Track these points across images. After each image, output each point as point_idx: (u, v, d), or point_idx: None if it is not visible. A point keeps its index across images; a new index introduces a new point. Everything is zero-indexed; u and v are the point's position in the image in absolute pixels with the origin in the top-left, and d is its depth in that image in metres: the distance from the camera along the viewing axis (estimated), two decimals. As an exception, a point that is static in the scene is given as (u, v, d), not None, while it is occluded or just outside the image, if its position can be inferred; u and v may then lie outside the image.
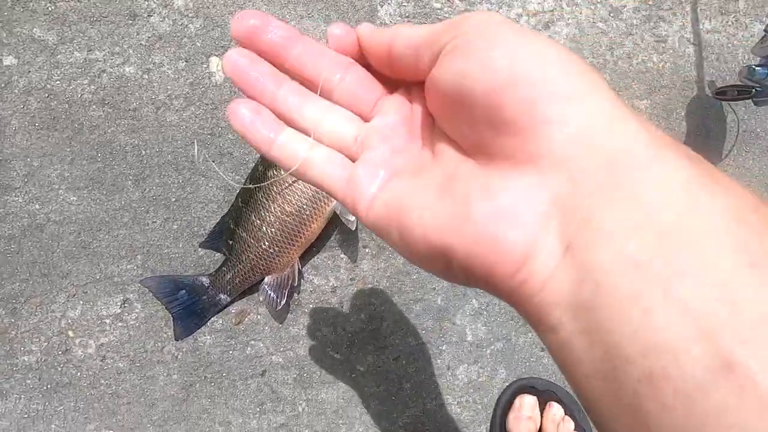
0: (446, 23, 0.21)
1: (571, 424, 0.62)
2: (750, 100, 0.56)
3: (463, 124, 0.20)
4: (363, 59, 0.25)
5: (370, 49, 0.24)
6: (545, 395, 0.63)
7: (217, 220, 0.60)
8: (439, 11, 0.64)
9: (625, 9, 0.66)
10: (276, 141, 0.23)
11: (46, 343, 0.58)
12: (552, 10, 0.65)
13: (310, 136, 0.24)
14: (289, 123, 0.24)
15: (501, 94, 0.18)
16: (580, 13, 0.66)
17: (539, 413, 0.62)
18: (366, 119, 0.25)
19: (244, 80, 0.23)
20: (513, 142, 0.18)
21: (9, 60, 0.58)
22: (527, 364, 0.65)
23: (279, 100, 0.24)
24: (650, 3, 0.67)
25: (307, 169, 0.24)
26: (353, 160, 0.24)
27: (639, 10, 0.67)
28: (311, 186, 0.55)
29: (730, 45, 0.68)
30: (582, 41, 0.66)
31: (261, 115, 0.23)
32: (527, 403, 0.62)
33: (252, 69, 0.23)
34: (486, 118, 0.18)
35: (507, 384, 0.64)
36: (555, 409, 0.62)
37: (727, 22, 0.68)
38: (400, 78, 0.24)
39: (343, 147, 0.24)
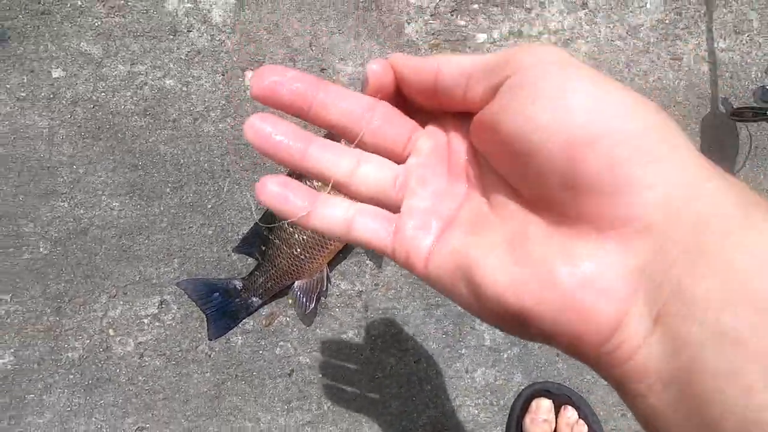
0: (502, 54, 0.19)
1: (585, 428, 0.65)
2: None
3: (528, 175, 0.19)
4: (395, 94, 0.24)
5: (412, 79, 0.22)
6: (560, 399, 0.66)
7: (250, 227, 0.63)
8: (464, 28, 0.66)
9: (642, 28, 0.69)
10: (314, 211, 0.22)
11: (88, 341, 0.62)
12: (572, 28, 0.68)
13: (345, 194, 0.23)
14: (322, 180, 0.23)
15: (579, 151, 0.17)
16: (599, 32, 0.68)
17: (554, 416, 0.65)
18: (401, 160, 0.24)
19: (268, 146, 0.23)
20: (592, 204, 0.17)
21: (57, 72, 0.61)
22: (543, 368, 0.68)
23: (308, 159, 0.23)
24: (667, 22, 0.69)
25: (350, 231, 0.23)
26: (395, 208, 0.23)
27: (656, 29, 0.69)
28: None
29: (743, 63, 0.70)
30: (600, 58, 0.68)
31: (290, 187, 0.23)
32: (543, 406, 0.64)
33: (276, 133, 0.22)
34: (559, 175, 0.18)
35: (523, 387, 0.67)
36: (569, 413, 0.65)
37: (742, 41, 0.70)
38: (437, 109, 0.23)
39: (381, 197, 0.23)
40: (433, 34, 0.66)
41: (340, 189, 0.23)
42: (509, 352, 0.68)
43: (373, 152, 0.23)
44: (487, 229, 0.20)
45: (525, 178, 0.19)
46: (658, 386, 0.16)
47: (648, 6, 0.69)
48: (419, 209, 0.22)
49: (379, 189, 0.23)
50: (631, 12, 0.69)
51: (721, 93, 0.70)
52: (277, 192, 0.22)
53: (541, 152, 0.18)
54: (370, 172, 0.23)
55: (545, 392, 0.66)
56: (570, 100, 0.17)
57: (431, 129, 0.24)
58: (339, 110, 0.22)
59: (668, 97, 0.69)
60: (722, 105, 0.70)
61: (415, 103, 0.24)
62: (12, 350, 0.61)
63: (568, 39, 0.68)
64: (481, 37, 0.67)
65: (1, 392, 0.61)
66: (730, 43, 0.70)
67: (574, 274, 0.17)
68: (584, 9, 0.68)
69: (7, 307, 0.61)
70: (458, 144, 0.23)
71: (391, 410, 0.66)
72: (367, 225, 0.22)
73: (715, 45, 0.70)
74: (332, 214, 0.22)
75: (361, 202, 0.23)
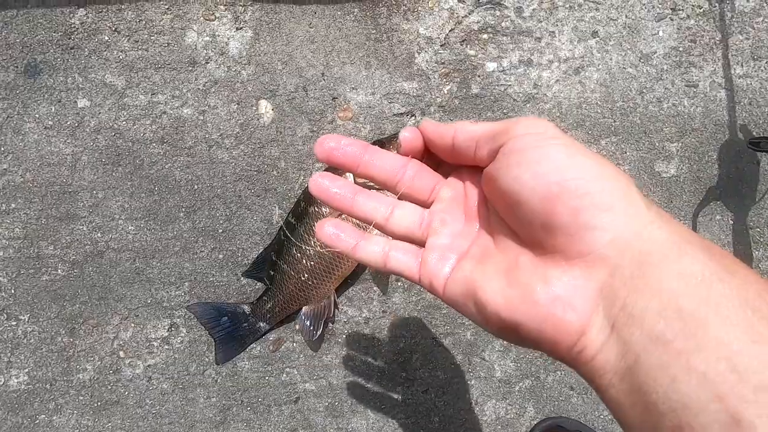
0: (502, 124, 0.26)
1: (602, 468, 0.62)
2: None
3: (520, 221, 0.25)
4: (425, 151, 0.31)
5: (436, 141, 0.30)
6: (575, 436, 0.63)
7: (260, 252, 0.64)
8: (473, 57, 0.67)
9: (656, 55, 0.68)
10: (358, 245, 0.30)
11: (99, 363, 0.63)
12: (582, 56, 0.68)
13: (383, 232, 0.31)
14: (366, 221, 0.31)
15: (552, 204, 0.23)
16: (611, 59, 0.68)
17: (568, 454, 0.62)
18: (426, 205, 0.31)
19: (327, 195, 0.31)
20: (564, 242, 0.23)
21: (83, 102, 0.64)
22: (556, 402, 0.65)
23: (356, 206, 0.31)
24: (681, 49, 0.69)
25: (386, 263, 0.30)
26: (421, 243, 0.30)
27: (669, 56, 0.68)
28: (350, 221, 0.59)
29: (762, 89, 0.68)
30: (612, 86, 0.68)
31: (342, 228, 0.30)
32: (556, 443, 0.62)
33: (332, 186, 0.31)
34: (540, 220, 0.23)
35: (535, 422, 0.64)
36: (585, 451, 0.62)
37: (759, 67, 0.69)
38: (456, 163, 0.30)
39: (411, 235, 0.30)
40: (443, 63, 0.67)
41: (379, 229, 0.31)
42: (521, 384, 0.65)
43: (405, 200, 0.31)
44: (490, 260, 0.26)
45: (517, 222, 0.25)
46: (616, 380, 0.21)
47: (661, 34, 0.69)
48: (440, 245, 0.29)
49: (408, 229, 0.30)
50: (643, 40, 0.69)
51: (739, 120, 0.69)
52: (332, 232, 0.30)
53: (526, 204, 0.24)
54: (402, 216, 0.30)
55: (559, 428, 0.63)
56: (545, 166, 0.23)
57: (452, 180, 0.31)
58: (379, 168, 0.30)
59: (684, 123, 0.68)
60: (741, 132, 0.69)
61: (440, 158, 0.31)
62: (27, 370, 0.62)
63: (579, 67, 0.68)
64: (491, 66, 0.67)
65: (14, 411, 0.62)
66: (747, 69, 0.69)
67: (548, 293, 0.23)
68: (595, 38, 0.68)
69: (24, 327, 0.63)
70: (472, 192, 0.29)
71: (398, 442, 0.64)
72: (399, 258, 0.30)
73: (732, 71, 0.69)
74: (372, 250, 0.30)
75: (395, 239, 0.31)
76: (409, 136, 0.30)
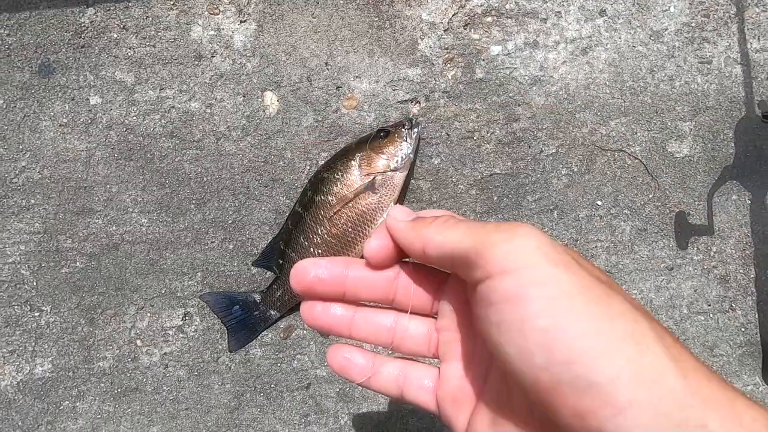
0: (472, 242, 0.21)
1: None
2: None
3: (517, 388, 0.22)
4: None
5: (407, 249, 0.26)
6: None
7: (269, 241, 0.65)
8: (477, 42, 0.67)
9: (666, 32, 0.66)
10: (371, 379, 0.29)
11: (117, 351, 0.65)
12: (590, 36, 0.67)
13: (392, 351, 0.30)
14: (369, 342, 0.30)
15: (550, 397, 0.18)
16: (619, 38, 0.67)
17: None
18: (431, 315, 0.29)
19: (322, 324, 0.29)
20: None
21: (95, 100, 0.66)
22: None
23: (354, 330, 0.29)
24: (693, 25, 0.66)
25: (403, 395, 0.29)
26: (432, 356, 0.29)
27: (681, 33, 0.66)
28: (356, 211, 0.59)
29: (781, 64, 0.66)
30: (621, 65, 0.66)
31: (353, 355, 0.30)
32: None
33: (324, 314, 0.29)
34: (539, 408, 0.20)
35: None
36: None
37: (778, 40, 0.66)
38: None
39: (419, 354, 0.29)
40: (446, 48, 0.67)
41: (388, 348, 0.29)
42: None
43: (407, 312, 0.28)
44: (507, 411, 0.23)
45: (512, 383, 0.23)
46: None
47: (672, 10, 0.67)
48: (453, 381, 0.26)
49: (416, 350, 0.29)
50: (654, 16, 0.67)
51: (756, 96, 0.66)
52: (342, 360, 0.30)
53: (516, 378, 0.20)
54: (406, 336, 0.29)
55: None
56: (531, 338, 0.18)
57: (452, 285, 0.27)
58: (368, 288, 0.28)
59: (697, 102, 0.66)
60: (759, 108, 0.66)
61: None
62: (50, 359, 0.65)
63: (587, 47, 0.67)
64: (496, 49, 0.67)
65: (40, 398, 0.65)
66: (764, 43, 0.66)
67: None
68: (603, 16, 0.67)
69: (47, 318, 0.65)
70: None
71: (409, 427, 0.65)
72: (415, 392, 0.29)
73: (748, 46, 0.66)
74: (386, 382, 0.29)
75: (405, 355, 0.29)
76: (374, 247, 0.27)
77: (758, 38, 0.66)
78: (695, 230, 0.66)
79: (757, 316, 0.65)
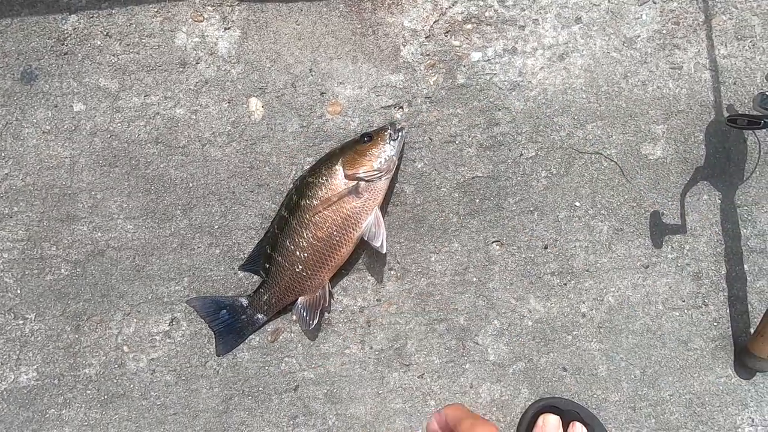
0: None
1: (595, 445, 0.63)
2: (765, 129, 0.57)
3: None
4: None
5: None
6: (568, 415, 0.64)
7: (255, 245, 0.65)
8: (458, 48, 0.68)
9: (639, 39, 0.69)
10: None
11: (104, 357, 0.65)
12: (566, 43, 0.69)
13: None
14: None
15: None
16: (595, 44, 0.69)
17: (562, 433, 0.63)
18: None
19: None
20: None
21: (78, 106, 0.66)
22: (549, 383, 0.67)
23: None
24: (664, 32, 0.69)
25: None
26: None
27: (653, 40, 0.69)
28: (340, 214, 0.60)
29: (747, 69, 0.69)
30: (596, 71, 0.69)
31: None
32: (550, 422, 0.63)
33: None
34: None
35: (530, 403, 0.66)
36: (578, 429, 0.63)
37: (744, 46, 0.69)
38: None
39: None
40: (428, 55, 0.68)
41: None
42: (514, 366, 0.67)
43: None
44: None
45: None
46: None
47: (644, 17, 0.69)
48: None
49: None
50: (627, 24, 0.69)
51: (725, 100, 0.69)
52: None
53: None
54: None
55: (553, 408, 0.65)
56: None
57: None
58: None
59: (669, 105, 0.69)
60: (727, 112, 0.69)
61: None
62: (35, 366, 0.65)
63: (563, 54, 0.69)
64: (476, 55, 0.68)
65: (25, 407, 0.64)
66: (731, 49, 0.69)
67: None
68: (578, 23, 0.69)
69: (31, 326, 0.65)
70: None
71: (396, 426, 0.66)
72: None
73: (716, 52, 0.69)
74: None
75: None
76: None
77: (725, 44, 0.69)
78: (669, 229, 0.68)
79: (728, 311, 0.68)
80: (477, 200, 0.68)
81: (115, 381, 0.65)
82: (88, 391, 0.65)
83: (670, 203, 0.69)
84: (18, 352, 0.65)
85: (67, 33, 0.66)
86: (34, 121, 0.66)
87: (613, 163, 0.68)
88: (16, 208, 0.65)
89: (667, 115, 0.69)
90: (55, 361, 0.65)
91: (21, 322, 0.65)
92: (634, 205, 0.68)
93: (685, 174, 0.69)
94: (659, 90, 0.69)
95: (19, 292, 0.65)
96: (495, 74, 0.68)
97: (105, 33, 0.66)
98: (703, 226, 0.68)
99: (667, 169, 0.69)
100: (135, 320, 0.65)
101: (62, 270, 0.65)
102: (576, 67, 0.69)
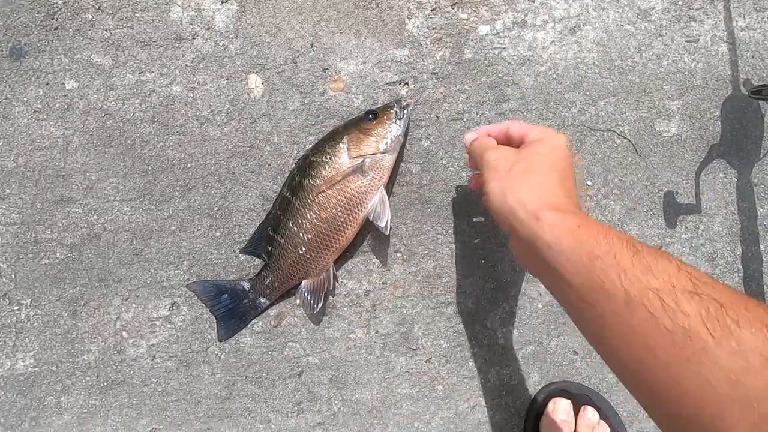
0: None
1: (607, 429, 0.62)
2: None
3: None
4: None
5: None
6: (579, 399, 0.63)
7: (256, 228, 0.63)
8: (465, 21, 0.65)
9: (654, 11, 0.66)
10: None
11: (103, 343, 0.63)
12: (578, 15, 0.66)
13: None
14: None
15: None
16: (607, 17, 0.66)
17: (573, 417, 0.62)
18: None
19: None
20: None
21: (70, 84, 0.64)
22: (560, 367, 0.65)
23: None
24: (680, 3, 0.66)
25: None
26: None
27: (668, 11, 0.66)
28: (345, 194, 0.58)
29: (766, 41, 0.66)
30: (609, 45, 0.66)
31: None
32: (561, 406, 0.62)
33: None
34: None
35: (540, 387, 0.65)
36: (590, 413, 0.62)
37: (763, 18, 0.66)
38: None
39: None
40: (434, 28, 0.65)
41: None
42: (524, 350, 0.65)
43: None
44: None
45: None
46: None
47: (659, -12, 0.66)
48: None
49: None
50: (641, -5, 0.66)
51: (742, 74, 0.67)
52: None
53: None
54: None
55: (563, 392, 0.63)
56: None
57: None
58: None
59: (684, 80, 0.66)
60: (744, 86, 0.67)
61: None
62: (32, 353, 0.63)
63: (575, 27, 0.66)
64: (484, 29, 0.66)
65: (22, 394, 0.63)
66: (749, 21, 0.67)
67: None
68: (591, -5, 0.66)
69: (27, 312, 0.63)
70: None
71: (403, 411, 0.64)
72: None
73: (734, 24, 0.67)
74: None
75: None
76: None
77: (743, 16, 0.66)
78: (683, 209, 0.66)
79: (743, 291, 0.66)
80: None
81: (115, 367, 0.63)
82: (87, 378, 0.63)
83: (684, 182, 0.66)
84: (14, 338, 0.63)
85: (57, 7, 0.63)
86: (25, 99, 0.63)
87: (626, 140, 0.66)
88: (8, 190, 0.63)
89: (682, 90, 0.66)
90: (52, 348, 0.63)
91: (16, 307, 0.63)
92: (648, 184, 0.66)
93: (701, 152, 0.67)
94: (674, 64, 0.66)
95: (13, 276, 0.63)
96: (504, 48, 0.66)
97: (96, 7, 0.64)
98: (718, 206, 0.66)
99: (682, 146, 0.66)
100: (134, 305, 0.64)
101: (57, 254, 0.63)
102: (588, 40, 0.66)
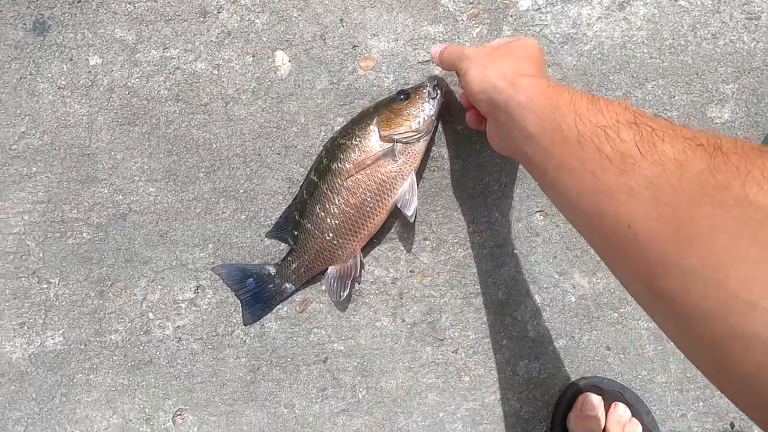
0: None
1: (639, 427, 0.60)
2: None
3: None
4: None
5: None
6: (610, 396, 0.61)
7: (282, 212, 0.62)
8: (504, -4, 0.61)
9: (712, -16, 0.61)
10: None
11: (129, 324, 0.63)
12: (628, -10, 0.61)
13: None
14: None
15: None
16: (660, -9, 0.61)
17: (603, 413, 0.60)
18: None
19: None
20: None
21: (94, 60, 0.62)
22: (591, 362, 0.63)
23: None
24: (742, -24, 0.61)
25: None
26: None
27: (728, -15, 0.61)
28: (375, 179, 0.56)
29: (836, 20, 0.61)
30: (661, 22, 0.61)
31: None
32: (591, 402, 0.60)
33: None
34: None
35: (570, 382, 0.63)
36: (621, 410, 0.60)
37: (834, -7, 0.60)
38: None
39: None
40: (471, 3, 0.61)
41: None
42: (555, 344, 0.63)
43: None
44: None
45: None
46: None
47: (719, -41, 0.61)
48: None
49: None
50: (698, -33, 0.61)
51: (807, 55, 0.61)
52: None
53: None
54: None
55: (594, 387, 0.61)
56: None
57: None
58: None
59: (742, 62, 0.61)
60: (808, 69, 0.61)
61: None
62: (61, 331, 0.63)
63: (624, 2, 0.61)
64: (525, 4, 0.61)
65: (52, 370, 0.64)
66: (819, -4, 0.61)
67: None
68: (643, -34, 0.61)
69: (55, 290, 0.63)
70: None
71: (428, 401, 0.64)
72: None
73: (801, 0, 0.61)
74: None
75: None
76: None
77: (813, -9, 0.61)
78: (732, 201, 0.62)
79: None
80: (520, 167, 0.62)
81: (141, 348, 0.63)
82: (115, 357, 0.63)
83: (735, 172, 0.62)
84: (44, 316, 0.63)
85: (79, -21, 0.61)
86: (49, 75, 0.62)
87: (674, 126, 0.62)
88: (34, 168, 0.62)
89: (738, 72, 0.61)
90: (80, 327, 0.63)
91: (45, 286, 0.63)
92: (695, 173, 0.62)
93: (754, 140, 0.62)
94: (732, 44, 0.61)
95: (41, 255, 0.63)
96: (546, 25, 0.61)
97: (119, -22, 0.61)
98: None
99: (734, 133, 0.62)
100: (159, 287, 0.63)
101: (84, 234, 0.63)
102: (638, 17, 0.61)
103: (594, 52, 0.61)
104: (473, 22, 0.61)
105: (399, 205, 0.57)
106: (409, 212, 0.56)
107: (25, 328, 0.63)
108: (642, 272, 0.30)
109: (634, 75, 0.62)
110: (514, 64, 0.45)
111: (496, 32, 0.61)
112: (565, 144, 0.36)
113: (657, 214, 0.29)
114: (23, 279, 0.63)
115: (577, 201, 0.35)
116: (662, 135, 0.31)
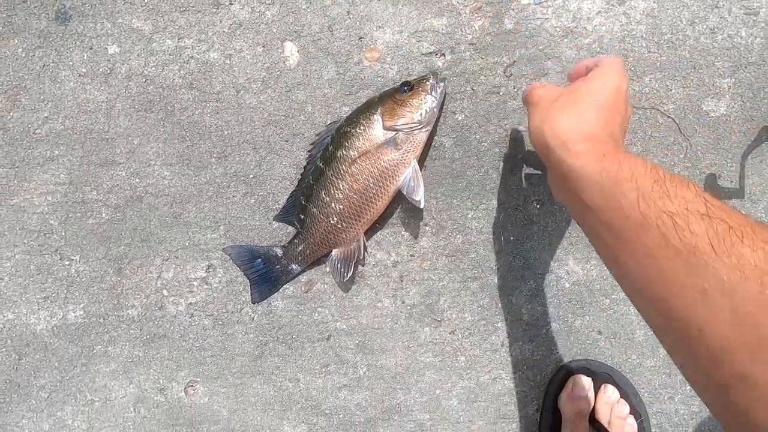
0: None
1: (627, 408, 0.63)
2: None
3: None
4: None
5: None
6: (600, 378, 0.63)
7: (289, 196, 0.65)
8: (507, -10, 0.63)
9: (712, -20, 0.62)
10: None
11: (145, 300, 0.67)
12: (629, -16, 0.62)
13: None
14: None
15: None
16: (660, -14, 0.62)
17: (593, 395, 0.63)
18: None
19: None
20: None
21: (113, 49, 0.65)
22: (583, 346, 0.66)
23: None
24: (742, -28, 0.62)
25: None
26: None
27: (728, -19, 0.62)
28: (378, 166, 0.58)
29: (835, 16, 0.61)
30: (660, 16, 0.62)
31: None
32: (581, 383, 0.63)
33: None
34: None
35: (562, 364, 0.66)
36: (610, 391, 0.63)
37: (834, -10, 0.61)
38: None
39: None
40: (477, -4, 0.63)
41: None
42: (548, 327, 0.66)
43: None
44: None
45: None
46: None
47: (720, -46, 0.62)
48: None
49: None
50: (699, -38, 0.62)
51: (804, 51, 0.62)
52: None
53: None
54: None
55: (585, 370, 0.64)
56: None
57: None
58: None
59: (739, 57, 0.62)
60: (805, 65, 0.63)
61: None
62: (82, 305, 0.68)
63: (624, -4, 0.63)
64: (527, -3, 0.63)
65: (74, 342, 0.68)
66: (819, -8, 0.62)
67: None
68: (644, -39, 0.62)
69: (76, 267, 0.67)
70: None
71: (425, 379, 0.67)
72: None
73: (801, -4, 0.62)
74: None
75: None
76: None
77: (813, -13, 0.61)
78: (725, 193, 0.64)
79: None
80: (515, 157, 0.65)
81: (156, 322, 0.67)
82: (132, 331, 0.68)
83: (728, 165, 0.64)
84: (66, 291, 0.67)
85: (99, -30, 0.64)
86: (70, 63, 0.65)
87: (669, 119, 0.64)
88: (57, 152, 0.66)
89: (735, 67, 0.63)
90: (100, 301, 0.67)
91: (67, 263, 0.67)
92: (689, 165, 0.64)
93: (749, 134, 0.63)
94: (729, 39, 0.63)
95: (63, 234, 0.67)
96: (547, 19, 0.63)
97: (137, -30, 0.64)
98: (763, 191, 0.64)
99: (730, 127, 0.63)
100: (174, 266, 0.67)
101: (103, 214, 0.67)
102: (637, 11, 0.63)
103: (593, 46, 0.63)
104: (476, 15, 0.63)
105: (406, 192, 0.59)
106: (417, 197, 0.58)
107: (49, 302, 0.68)
108: (714, 377, 0.28)
109: (632, 68, 0.63)
110: (574, 117, 0.41)
111: (497, 25, 0.63)
112: (627, 224, 0.33)
113: (735, 323, 0.27)
114: (47, 256, 0.67)
115: (642, 288, 0.32)
116: (740, 235, 0.28)
